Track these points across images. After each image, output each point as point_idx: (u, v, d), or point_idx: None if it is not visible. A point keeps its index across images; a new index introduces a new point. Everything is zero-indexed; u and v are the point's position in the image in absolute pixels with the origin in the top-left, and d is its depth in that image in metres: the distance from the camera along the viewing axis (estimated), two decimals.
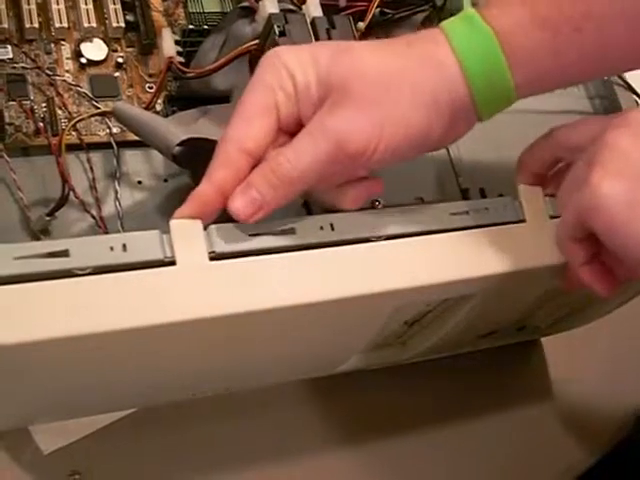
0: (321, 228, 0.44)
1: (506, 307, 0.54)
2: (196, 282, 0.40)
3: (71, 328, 0.37)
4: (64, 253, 0.38)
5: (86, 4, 0.61)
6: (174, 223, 0.41)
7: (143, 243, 0.40)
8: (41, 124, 0.56)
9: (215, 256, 0.41)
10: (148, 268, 0.39)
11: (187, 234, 0.41)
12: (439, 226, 0.46)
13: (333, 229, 0.44)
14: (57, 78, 0.59)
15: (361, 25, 0.57)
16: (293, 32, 0.53)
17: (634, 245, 0.41)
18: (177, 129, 0.54)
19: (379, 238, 0.44)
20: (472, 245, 0.45)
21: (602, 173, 0.42)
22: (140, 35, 0.62)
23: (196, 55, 0.59)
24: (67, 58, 0.60)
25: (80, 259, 0.38)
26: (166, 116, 0.60)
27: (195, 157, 0.55)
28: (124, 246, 0.39)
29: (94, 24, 0.61)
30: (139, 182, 0.61)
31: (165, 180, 0.62)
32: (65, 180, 0.54)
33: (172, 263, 0.40)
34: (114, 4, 0.61)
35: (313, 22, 0.54)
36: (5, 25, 0.58)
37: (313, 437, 0.63)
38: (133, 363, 0.44)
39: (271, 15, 0.53)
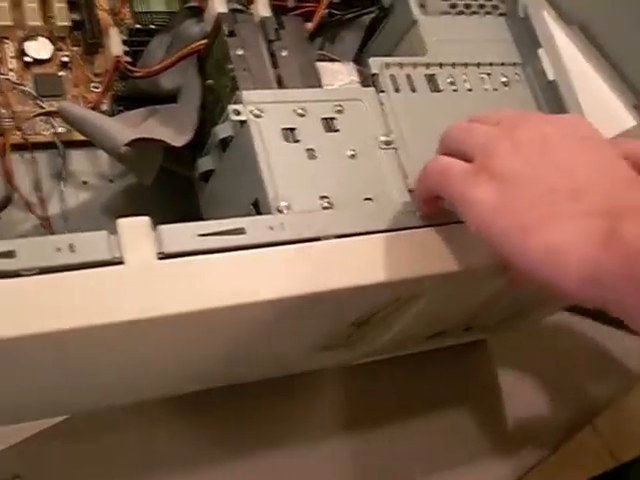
0: (271, 228, 0.43)
1: (454, 306, 0.54)
2: (144, 281, 0.39)
3: (17, 328, 0.36)
4: (10, 254, 0.38)
5: (31, 2, 0.60)
6: (122, 222, 0.40)
7: (91, 243, 0.39)
8: None
9: (164, 256, 0.40)
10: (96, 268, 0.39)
11: (135, 234, 0.40)
12: (387, 226, 0.46)
13: (283, 229, 0.44)
14: (0, 77, 0.58)
15: (309, 26, 0.57)
16: (242, 32, 0.53)
17: (500, 247, 0.41)
18: (124, 129, 0.54)
19: (328, 237, 0.44)
20: (420, 244, 0.46)
21: (483, 175, 0.42)
22: (86, 34, 0.61)
23: (143, 54, 0.59)
24: (11, 57, 0.59)
25: (26, 260, 0.38)
26: (112, 115, 0.60)
27: (141, 157, 0.55)
28: (71, 247, 0.39)
29: (39, 22, 0.60)
30: (84, 182, 0.60)
31: (111, 180, 0.61)
32: (9, 180, 0.53)
33: (120, 263, 0.39)
34: (59, 2, 0.60)
35: (262, 22, 0.54)
36: None
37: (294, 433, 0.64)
38: (80, 364, 0.43)
39: (220, 15, 0.53)
